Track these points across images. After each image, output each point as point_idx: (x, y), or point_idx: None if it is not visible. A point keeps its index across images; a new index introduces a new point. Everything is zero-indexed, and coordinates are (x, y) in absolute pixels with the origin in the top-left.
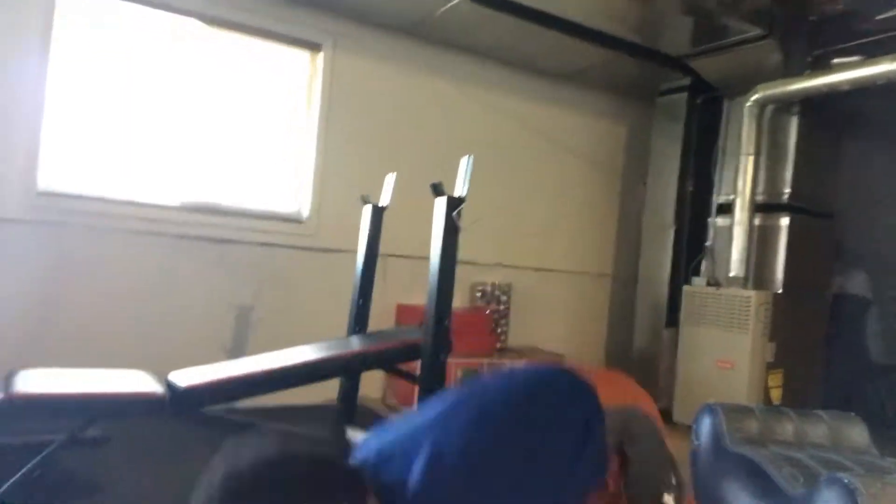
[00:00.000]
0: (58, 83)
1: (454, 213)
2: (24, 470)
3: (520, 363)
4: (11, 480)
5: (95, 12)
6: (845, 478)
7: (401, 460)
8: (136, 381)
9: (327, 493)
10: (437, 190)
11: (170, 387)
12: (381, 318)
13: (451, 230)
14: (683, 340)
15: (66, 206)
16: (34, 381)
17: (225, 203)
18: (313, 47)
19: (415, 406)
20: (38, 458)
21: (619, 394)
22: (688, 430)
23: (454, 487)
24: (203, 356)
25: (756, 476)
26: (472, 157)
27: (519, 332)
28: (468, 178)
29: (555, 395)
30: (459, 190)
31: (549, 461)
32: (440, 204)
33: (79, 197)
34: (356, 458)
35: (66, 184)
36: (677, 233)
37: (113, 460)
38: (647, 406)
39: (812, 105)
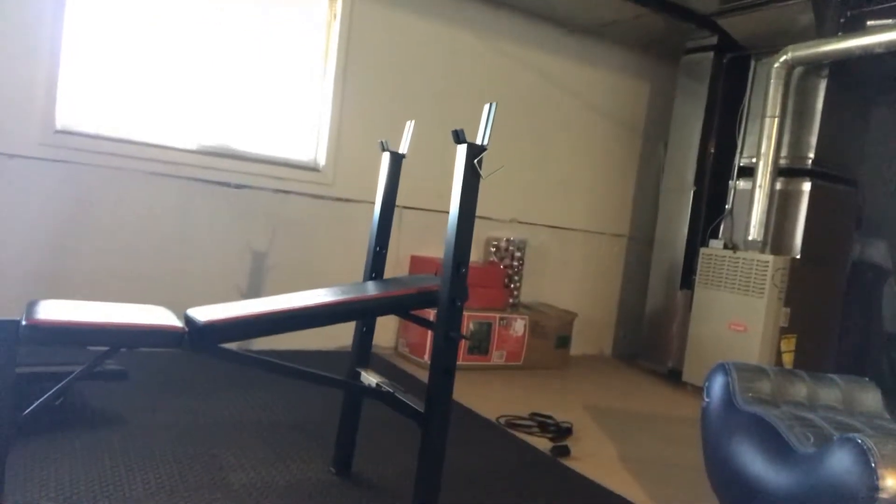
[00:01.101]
0: (76, 22)
1: (475, 160)
2: (45, 396)
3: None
4: (33, 406)
5: None
6: (858, 437)
7: None
8: (156, 315)
9: None
10: (459, 137)
11: (188, 321)
12: (394, 269)
13: (472, 178)
14: (697, 302)
15: (84, 145)
16: (56, 310)
17: (241, 148)
18: None
19: (426, 355)
20: (59, 385)
21: None
22: (696, 391)
23: None
24: (218, 297)
25: (766, 434)
26: (495, 104)
27: (532, 289)
28: (490, 126)
29: None
30: (481, 138)
31: None
32: (461, 151)
33: (96, 136)
34: None
35: (83, 123)
36: (697, 194)
37: (130, 394)
38: None
39: (842, 69)
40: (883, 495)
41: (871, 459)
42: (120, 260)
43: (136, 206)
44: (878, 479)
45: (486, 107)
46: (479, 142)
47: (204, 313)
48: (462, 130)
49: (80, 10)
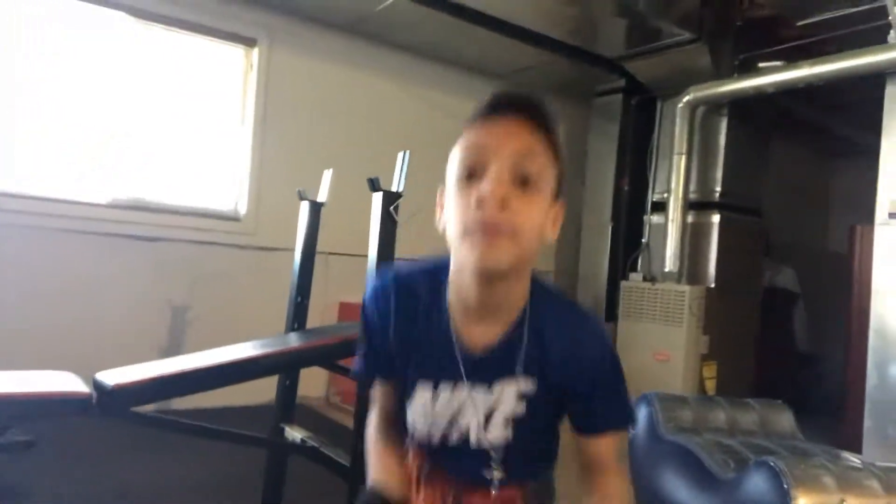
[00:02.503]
0: None
1: (391, 207)
2: None
3: None
4: None
5: (22, 6)
6: (771, 461)
7: None
8: (60, 381)
9: None
10: (375, 185)
11: (97, 386)
12: (323, 315)
13: (389, 225)
14: (622, 334)
15: None
16: None
17: (157, 200)
18: (248, 42)
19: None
20: None
21: None
22: None
23: None
24: (136, 357)
25: (689, 462)
26: (408, 152)
27: None
28: (405, 173)
29: None
30: (396, 185)
31: None
32: (377, 199)
33: (0, 194)
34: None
35: None
36: (615, 230)
37: (38, 465)
38: None
39: (740, 106)
40: None
41: (784, 481)
42: (26, 323)
43: (43, 265)
44: (790, 499)
45: (400, 155)
46: (394, 189)
47: (113, 376)
48: (377, 179)
49: None
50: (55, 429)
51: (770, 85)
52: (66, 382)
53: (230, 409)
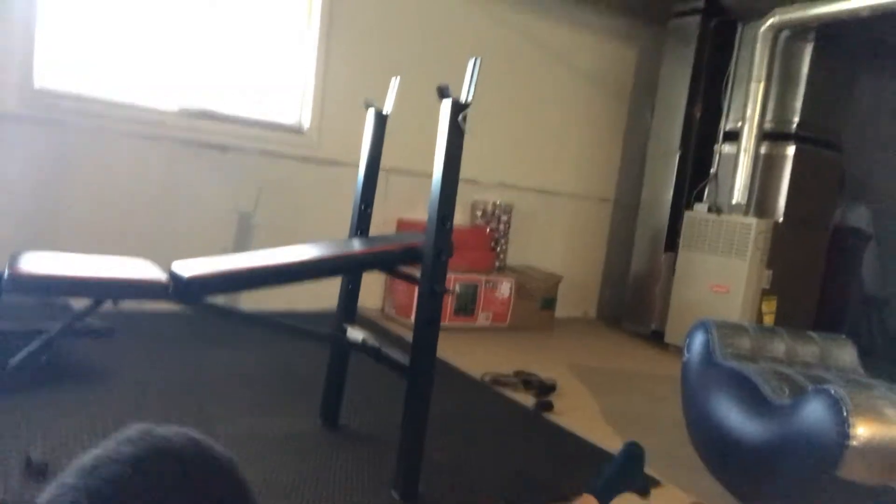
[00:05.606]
0: None
1: (459, 117)
2: (31, 346)
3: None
4: (19, 356)
5: None
6: (832, 388)
7: None
8: (140, 268)
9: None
10: (443, 93)
11: (173, 275)
12: (382, 231)
13: (456, 134)
14: (681, 264)
15: (64, 105)
16: (39, 262)
17: (225, 111)
18: None
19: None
20: (45, 336)
21: None
22: (679, 352)
23: None
24: (203, 256)
25: (743, 387)
26: (479, 59)
27: (518, 252)
28: (474, 81)
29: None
30: (465, 94)
31: None
32: (445, 106)
33: (76, 97)
34: None
35: (63, 83)
36: (682, 158)
37: (117, 352)
38: None
39: (827, 33)
40: (854, 443)
41: (844, 409)
42: (103, 220)
43: (120, 167)
44: (849, 427)
45: (471, 62)
46: (463, 98)
47: (189, 267)
48: (447, 86)
49: None
50: (128, 321)
51: (866, 8)
52: (146, 269)
53: (289, 314)
